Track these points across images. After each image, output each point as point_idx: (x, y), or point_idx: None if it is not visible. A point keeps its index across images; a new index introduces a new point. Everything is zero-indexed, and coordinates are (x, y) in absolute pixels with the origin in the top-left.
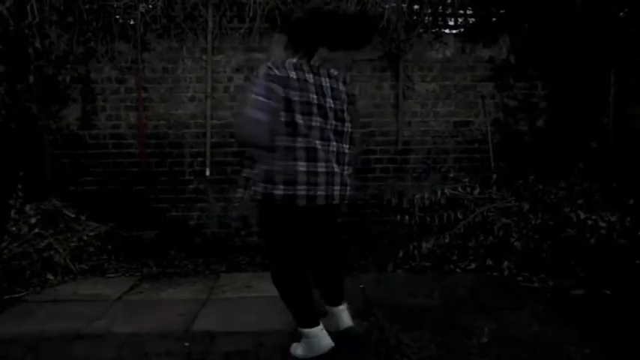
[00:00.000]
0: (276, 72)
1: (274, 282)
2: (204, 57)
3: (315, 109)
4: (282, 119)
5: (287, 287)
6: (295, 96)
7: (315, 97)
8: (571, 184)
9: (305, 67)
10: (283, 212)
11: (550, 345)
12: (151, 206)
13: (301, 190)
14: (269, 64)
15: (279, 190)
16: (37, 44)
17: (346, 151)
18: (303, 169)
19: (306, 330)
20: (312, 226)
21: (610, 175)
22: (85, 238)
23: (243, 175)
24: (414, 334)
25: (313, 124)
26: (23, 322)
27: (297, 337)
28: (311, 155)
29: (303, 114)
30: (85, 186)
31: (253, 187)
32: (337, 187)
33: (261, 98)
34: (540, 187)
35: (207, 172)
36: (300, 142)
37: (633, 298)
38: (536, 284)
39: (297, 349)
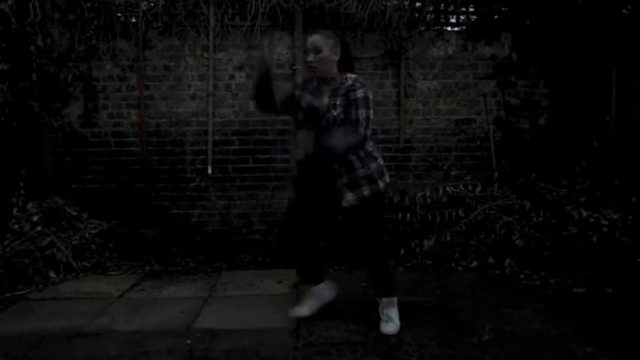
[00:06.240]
0: None
1: None
2: (205, 55)
3: None
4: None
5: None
6: None
7: None
8: (573, 182)
9: None
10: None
11: (552, 343)
12: (152, 204)
13: None
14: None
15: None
16: (39, 42)
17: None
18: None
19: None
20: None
21: (612, 173)
22: (87, 235)
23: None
24: (416, 331)
25: None
26: (25, 319)
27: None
28: None
29: None
30: (86, 184)
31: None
32: None
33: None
34: (542, 185)
35: (209, 170)
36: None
37: (635, 296)
38: (537, 282)
39: None
